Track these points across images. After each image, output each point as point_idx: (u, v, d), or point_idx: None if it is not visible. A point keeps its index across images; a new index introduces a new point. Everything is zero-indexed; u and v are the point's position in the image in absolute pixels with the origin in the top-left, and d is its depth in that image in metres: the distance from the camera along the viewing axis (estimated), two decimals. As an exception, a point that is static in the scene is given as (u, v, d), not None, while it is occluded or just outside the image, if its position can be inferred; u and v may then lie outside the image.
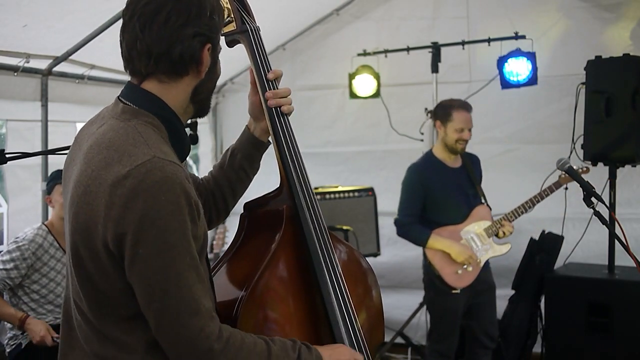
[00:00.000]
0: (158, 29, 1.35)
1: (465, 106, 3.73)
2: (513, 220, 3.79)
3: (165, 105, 1.42)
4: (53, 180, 3.36)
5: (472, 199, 3.81)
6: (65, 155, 1.53)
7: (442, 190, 3.73)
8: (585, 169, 3.82)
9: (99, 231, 1.29)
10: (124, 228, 1.26)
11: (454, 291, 3.65)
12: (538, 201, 3.78)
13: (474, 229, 3.74)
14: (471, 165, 3.88)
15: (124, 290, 1.32)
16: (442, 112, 3.75)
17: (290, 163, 1.63)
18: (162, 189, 1.26)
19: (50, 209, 3.49)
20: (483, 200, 3.87)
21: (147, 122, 1.38)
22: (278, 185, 1.66)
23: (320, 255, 1.58)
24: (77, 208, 1.34)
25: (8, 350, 3.21)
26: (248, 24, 1.68)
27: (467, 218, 3.75)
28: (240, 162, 1.73)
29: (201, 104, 1.51)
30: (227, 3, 1.67)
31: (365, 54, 4.78)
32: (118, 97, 1.45)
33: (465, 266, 3.65)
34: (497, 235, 3.77)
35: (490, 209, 3.85)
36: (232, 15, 1.67)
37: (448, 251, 3.63)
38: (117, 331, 1.35)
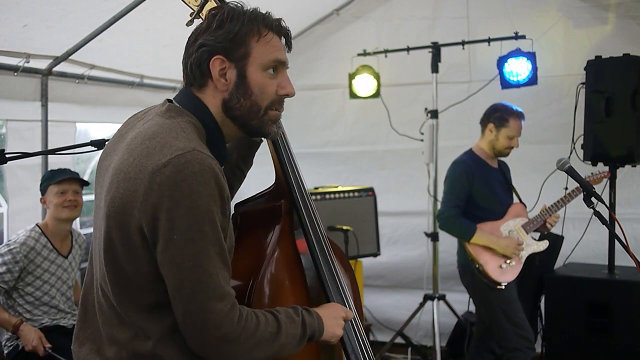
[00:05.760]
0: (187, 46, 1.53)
1: (521, 115, 3.78)
2: (556, 211, 3.80)
3: (207, 110, 1.51)
4: (46, 181, 3.32)
5: (507, 199, 3.90)
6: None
7: (485, 187, 3.77)
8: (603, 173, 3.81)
9: (135, 216, 1.35)
10: (160, 214, 1.32)
11: (498, 287, 3.65)
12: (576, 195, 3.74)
13: (512, 225, 3.80)
14: (505, 168, 3.98)
15: (148, 275, 1.38)
16: (498, 116, 3.77)
17: (286, 160, 1.77)
18: (199, 180, 1.32)
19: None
20: (517, 200, 3.94)
21: (190, 121, 1.47)
22: (272, 183, 1.82)
23: (315, 241, 1.74)
24: (114, 193, 1.39)
25: (6, 351, 3.19)
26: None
27: (505, 215, 3.82)
28: (236, 162, 1.84)
29: (242, 121, 1.53)
30: None
31: (365, 54, 4.78)
32: (167, 98, 1.56)
33: (508, 261, 3.67)
34: (544, 226, 3.81)
35: (525, 206, 3.90)
36: None
37: (494, 246, 3.66)
38: (135, 316, 1.42)
